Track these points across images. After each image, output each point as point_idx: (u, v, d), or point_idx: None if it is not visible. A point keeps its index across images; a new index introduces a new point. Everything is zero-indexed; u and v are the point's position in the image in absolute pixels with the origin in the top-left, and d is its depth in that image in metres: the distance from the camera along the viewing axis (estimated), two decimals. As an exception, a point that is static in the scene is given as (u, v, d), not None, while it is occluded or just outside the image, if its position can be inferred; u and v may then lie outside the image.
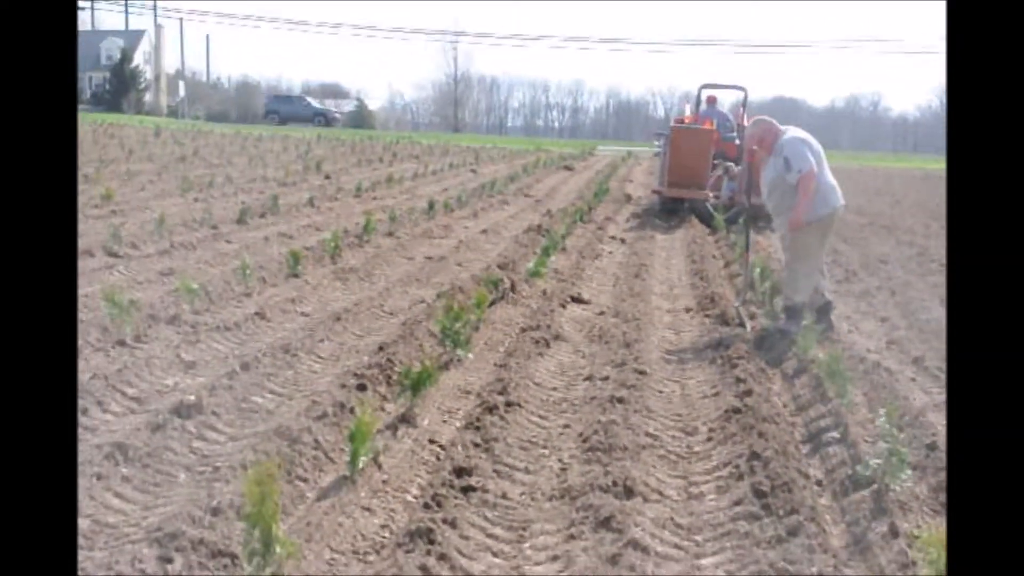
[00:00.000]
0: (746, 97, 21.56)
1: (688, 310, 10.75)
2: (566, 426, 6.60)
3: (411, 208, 17.93)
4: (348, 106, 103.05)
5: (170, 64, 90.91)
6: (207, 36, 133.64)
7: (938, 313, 10.31)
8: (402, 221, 16.00)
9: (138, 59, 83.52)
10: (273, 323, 9.02)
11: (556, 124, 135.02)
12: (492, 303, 9.76)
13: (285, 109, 76.92)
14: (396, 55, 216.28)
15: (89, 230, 13.49)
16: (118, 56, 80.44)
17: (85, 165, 23.86)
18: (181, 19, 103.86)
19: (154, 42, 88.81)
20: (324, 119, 75.14)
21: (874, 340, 9.44)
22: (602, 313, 10.21)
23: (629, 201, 23.52)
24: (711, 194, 18.95)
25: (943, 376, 7.92)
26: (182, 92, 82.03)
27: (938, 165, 48.76)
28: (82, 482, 4.91)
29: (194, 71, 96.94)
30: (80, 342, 7.44)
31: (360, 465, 5.30)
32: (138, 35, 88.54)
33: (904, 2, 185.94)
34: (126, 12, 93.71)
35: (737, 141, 19.97)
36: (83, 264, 10.85)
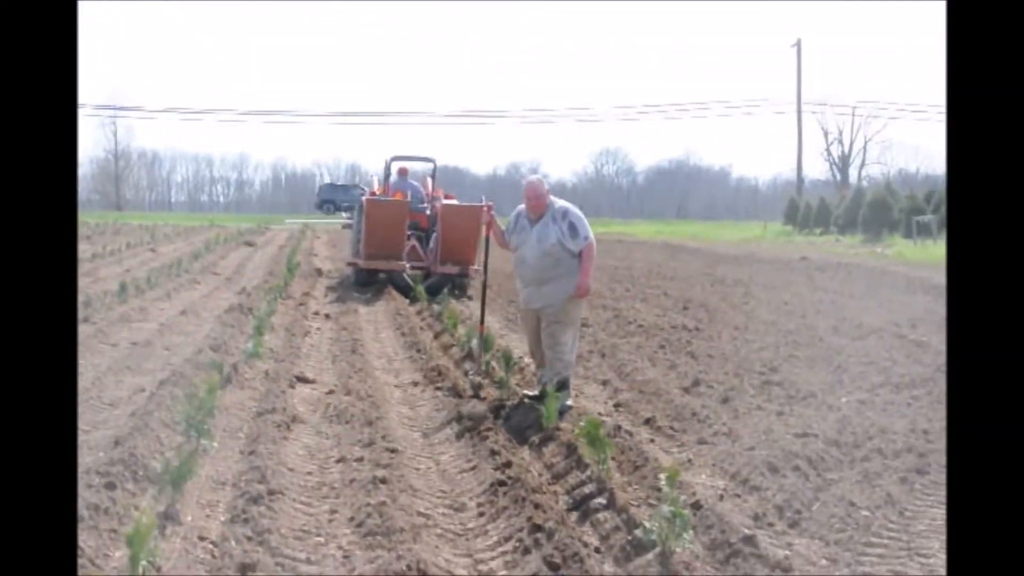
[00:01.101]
0: (435, 168, 21.95)
1: (416, 384, 10.76)
2: (334, 511, 6.42)
3: (102, 291, 17.07)
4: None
5: None
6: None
7: (651, 374, 10.77)
8: (95, 306, 15.18)
9: None
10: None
11: (221, 199, 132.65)
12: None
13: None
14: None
15: None
16: None
17: None
18: None
19: None
20: None
21: (601, 403, 9.74)
22: (331, 392, 10.03)
23: (321, 275, 23.35)
24: (407, 265, 19.19)
25: (677, 436, 8.28)
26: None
27: (603, 228, 51.09)
28: None
29: None
30: None
31: (140, 571, 4.93)
32: None
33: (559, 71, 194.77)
34: None
35: (428, 211, 20.32)
36: None
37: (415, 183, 21.44)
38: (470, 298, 18.75)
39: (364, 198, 19.71)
